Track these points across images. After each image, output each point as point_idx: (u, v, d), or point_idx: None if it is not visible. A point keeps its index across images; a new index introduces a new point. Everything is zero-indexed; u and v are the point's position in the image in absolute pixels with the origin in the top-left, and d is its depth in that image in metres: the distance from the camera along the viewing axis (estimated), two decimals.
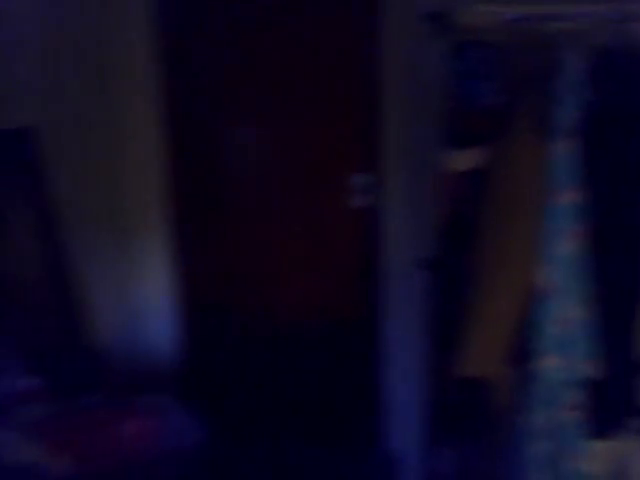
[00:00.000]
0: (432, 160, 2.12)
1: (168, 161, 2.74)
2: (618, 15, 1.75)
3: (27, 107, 2.29)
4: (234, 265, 2.84)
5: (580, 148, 1.70)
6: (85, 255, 2.55)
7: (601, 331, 1.72)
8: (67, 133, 2.47)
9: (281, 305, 2.83)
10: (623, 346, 1.76)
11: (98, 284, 2.66)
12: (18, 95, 2.25)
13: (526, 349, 1.80)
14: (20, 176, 2.29)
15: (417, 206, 2.49)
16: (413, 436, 2.41)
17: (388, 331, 2.69)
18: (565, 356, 1.76)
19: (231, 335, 2.90)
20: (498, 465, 1.97)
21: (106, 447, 1.85)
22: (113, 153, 2.70)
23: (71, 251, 2.46)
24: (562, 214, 1.72)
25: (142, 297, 2.88)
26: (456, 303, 1.89)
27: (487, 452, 2.00)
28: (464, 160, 1.98)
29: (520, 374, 1.84)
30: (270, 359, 2.87)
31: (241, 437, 2.75)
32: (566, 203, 1.72)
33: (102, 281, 2.69)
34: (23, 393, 1.96)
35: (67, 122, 2.48)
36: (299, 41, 2.64)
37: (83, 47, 2.55)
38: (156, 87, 2.68)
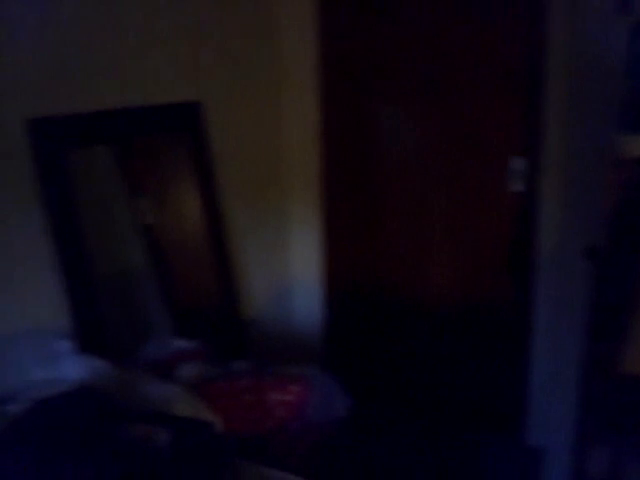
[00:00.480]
0: (601, 145, 2.00)
1: (323, 143, 2.78)
2: None
3: (196, 83, 2.40)
4: (381, 245, 2.83)
5: None
6: (242, 228, 2.64)
7: None
8: (231, 109, 2.56)
9: (427, 288, 2.79)
10: None
11: (254, 257, 2.75)
12: (190, 72, 2.37)
13: None
14: (190, 146, 2.41)
15: (579, 192, 2.36)
16: (562, 432, 2.31)
17: (539, 322, 2.58)
18: None
19: (374, 316, 2.91)
20: None
21: (253, 414, 1.90)
22: (273, 130, 2.79)
23: (229, 223, 2.57)
24: None
25: (293, 272, 2.96)
26: (622, 296, 1.78)
27: None
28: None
29: None
30: (413, 342, 2.85)
31: (382, 416, 2.75)
32: None
33: (257, 254, 2.78)
34: (179, 353, 2.06)
35: (231, 99, 2.57)
36: (458, 20, 2.56)
37: (244, 30, 2.62)
38: (314, 68, 2.72)
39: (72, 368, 1.75)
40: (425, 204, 2.73)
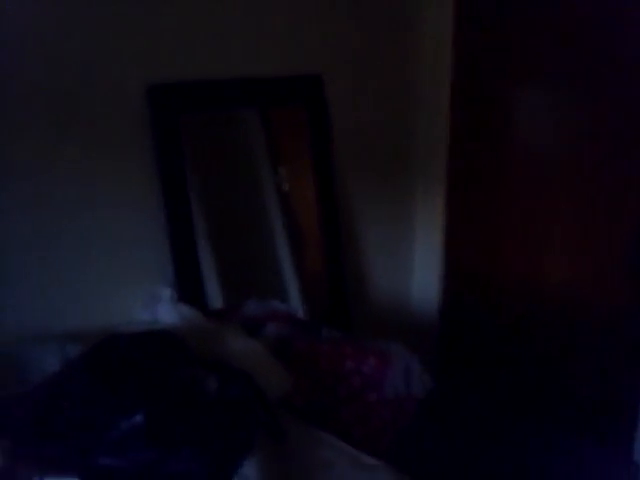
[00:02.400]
0: None
1: (452, 125, 2.76)
2: None
3: (320, 57, 2.48)
4: (502, 236, 2.77)
5: None
6: (361, 204, 2.71)
7: None
8: (356, 84, 2.62)
9: (544, 284, 2.69)
10: None
11: (372, 233, 2.81)
12: (316, 47, 2.46)
13: None
14: (312, 117, 2.51)
15: None
16: None
17: None
18: None
19: (490, 307, 2.86)
20: None
21: (327, 379, 1.99)
22: (399, 110, 2.81)
23: (348, 197, 2.64)
24: None
25: (413, 253, 2.99)
26: None
27: None
28: None
29: None
30: (525, 338, 2.77)
31: (481, 404, 2.73)
32: None
33: (376, 231, 2.84)
34: (272, 313, 2.20)
35: (357, 74, 2.62)
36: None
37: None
38: (448, 46, 2.70)
39: (167, 314, 1.95)
40: (551, 199, 2.62)
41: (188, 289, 2.10)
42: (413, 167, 2.90)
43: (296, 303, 2.56)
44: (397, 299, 2.96)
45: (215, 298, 2.28)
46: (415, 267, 3.02)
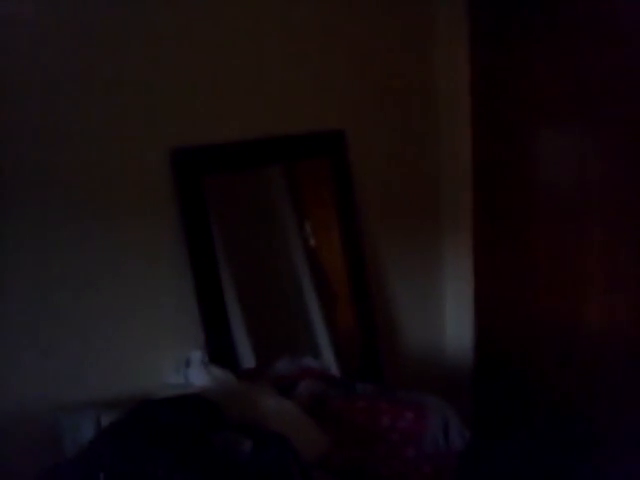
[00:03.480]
0: None
1: (475, 172, 2.77)
2: None
3: (342, 113, 2.52)
4: (535, 283, 2.73)
5: None
6: (385, 255, 2.71)
7: None
8: (376, 138, 2.65)
9: (582, 328, 2.63)
10: None
11: (404, 286, 2.80)
12: (338, 103, 2.50)
13: None
14: (335, 172, 2.53)
15: None
16: None
17: None
18: None
19: (525, 356, 2.81)
20: None
21: (364, 436, 1.95)
22: (420, 160, 2.83)
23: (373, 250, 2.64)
24: None
25: (444, 302, 2.97)
26: None
27: None
28: None
29: None
30: (564, 388, 2.70)
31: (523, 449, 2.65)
32: None
33: (403, 283, 2.82)
34: (305, 370, 2.18)
35: (376, 126, 2.65)
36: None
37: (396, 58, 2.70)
38: (466, 95, 2.73)
39: (199, 376, 1.94)
40: (584, 239, 2.58)
41: (219, 350, 2.09)
42: (439, 215, 2.90)
43: (328, 359, 2.54)
44: (430, 350, 2.92)
45: (246, 357, 2.27)
46: (447, 317, 2.98)
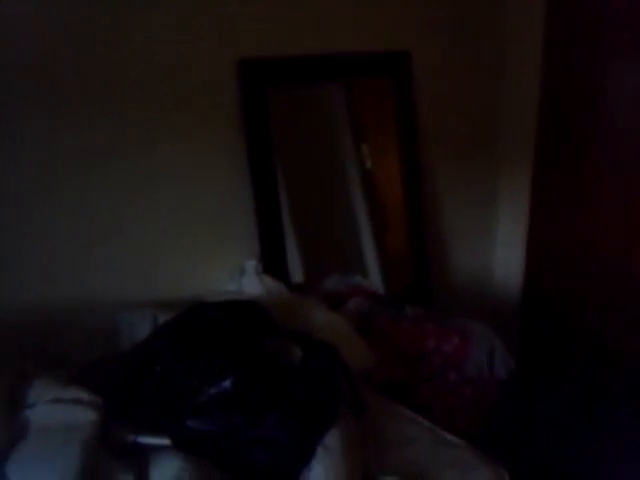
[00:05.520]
0: None
1: (542, 102, 2.68)
2: None
3: (409, 33, 2.46)
4: (591, 215, 2.67)
5: None
6: (443, 180, 2.69)
7: None
8: (444, 60, 2.58)
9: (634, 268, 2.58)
10: None
11: (458, 213, 2.78)
12: (405, 22, 2.43)
13: None
14: (398, 94, 2.49)
15: None
16: None
17: None
18: None
19: (574, 288, 2.78)
20: None
21: (408, 356, 1.99)
22: (486, 85, 2.75)
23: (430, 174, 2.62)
24: None
25: (496, 233, 2.94)
26: None
27: None
28: None
29: None
30: (611, 327, 2.68)
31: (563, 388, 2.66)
32: None
33: (462, 211, 2.80)
34: (355, 288, 2.21)
35: (444, 49, 2.58)
36: None
37: None
38: (540, 20, 2.61)
39: (252, 285, 1.99)
40: None
41: (272, 262, 2.13)
42: (499, 146, 2.83)
43: (377, 280, 2.56)
44: (479, 281, 2.92)
45: (296, 272, 2.31)
46: (498, 248, 2.96)
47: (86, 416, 1.37)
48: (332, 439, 1.44)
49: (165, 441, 1.37)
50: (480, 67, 2.70)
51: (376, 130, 2.59)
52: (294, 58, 2.15)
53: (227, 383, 1.38)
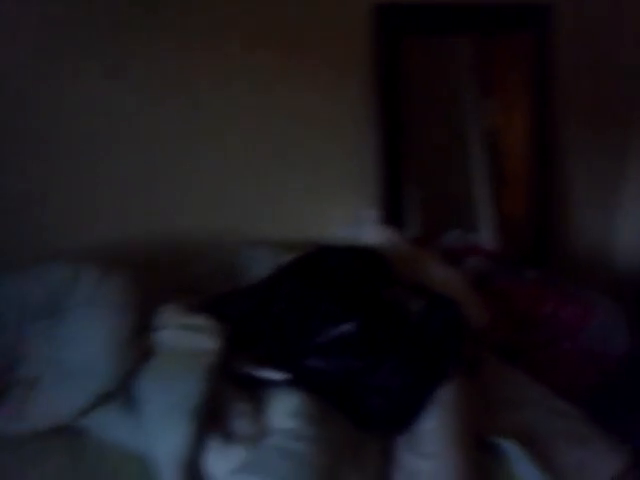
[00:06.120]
0: None
1: None
2: None
3: None
4: None
5: None
6: (576, 152, 2.57)
7: None
8: (588, 18, 2.44)
9: None
10: None
11: (583, 182, 2.66)
12: None
13: None
14: (536, 50, 2.38)
15: None
16: None
17: None
18: None
19: None
20: None
21: (524, 320, 1.94)
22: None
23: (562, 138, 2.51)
24: None
25: (622, 207, 2.81)
26: None
27: None
28: None
29: None
30: None
31: None
32: None
33: (587, 181, 2.68)
34: (473, 247, 2.16)
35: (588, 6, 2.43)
36: None
37: None
38: None
39: (371, 234, 1.98)
40: None
41: (391, 213, 2.12)
42: (633, 119, 2.67)
43: (491, 240, 2.50)
44: (601, 251, 2.79)
45: (412, 226, 2.28)
46: (622, 221, 2.82)
47: (210, 344, 1.41)
48: (447, 394, 1.43)
49: (284, 376, 1.40)
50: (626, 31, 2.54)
51: (506, 86, 2.49)
52: (431, 5, 2.09)
53: (349, 326, 1.39)
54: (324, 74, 1.98)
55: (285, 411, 1.30)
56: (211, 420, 1.29)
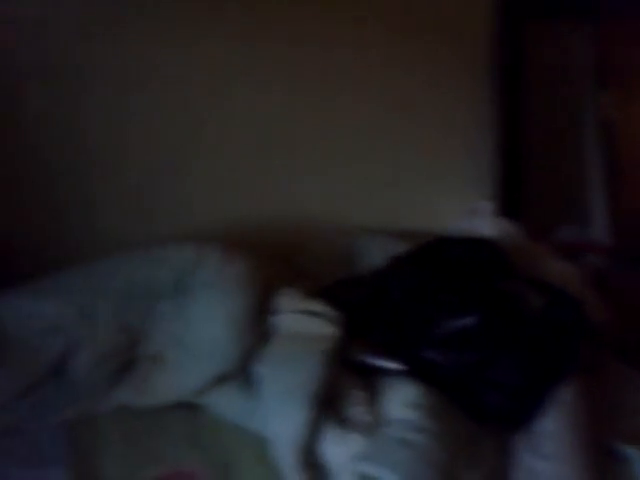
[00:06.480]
0: None
1: None
2: None
3: None
4: None
5: None
6: None
7: None
8: None
9: None
10: None
11: None
12: None
13: None
14: None
15: None
16: None
17: None
18: None
19: None
20: None
21: None
22: None
23: None
24: None
25: None
26: None
27: None
28: None
29: None
30: None
31: None
32: None
33: None
34: (590, 243, 2.09)
35: None
36: None
37: None
38: None
39: (487, 226, 1.94)
40: None
41: (505, 205, 2.07)
42: None
43: (605, 236, 2.41)
44: None
45: (527, 219, 2.22)
46: None
47: (328, 330, 1.42)
48: (566, 394, 1.39)
49: (399, 366, 1.39)
50: None
51: (627, 74, 2.39)
52: None
53: (470, 319, 1.37)
54: (442, 60, 1.94)
55: (403, 401, 1.29)
56: (327, 406, 1.30)
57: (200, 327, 1.42)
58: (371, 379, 1.40)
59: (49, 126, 1.63)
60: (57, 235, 1.65)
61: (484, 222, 1.94)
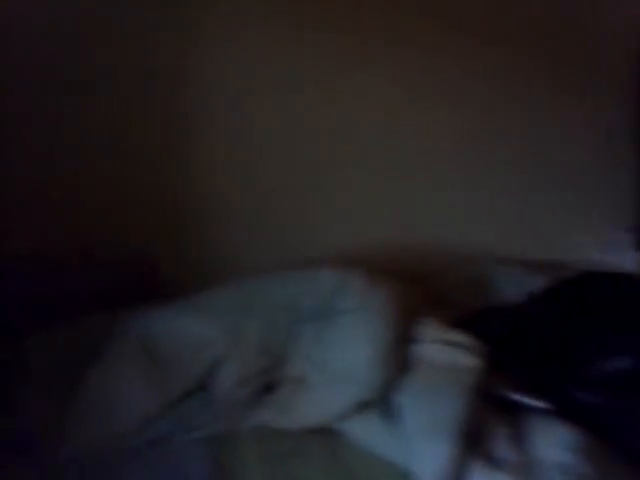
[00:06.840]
0: None
1: None
2: None
3: None
4: None
5: None
6: None
7: None
8: None
9: None
10: None
11: None
12: None
13: None
14: None
15: None
16: None
17: None
18: None
19: None
20: None
21: None
22: None
23: None
24: None
25: None
26: None
27: None
28: None
29: None
30: None
31: None
32: None
33: None
34: None
35: None
36: None
37: None
38: None
39: (626, 259, 1.86)
40: None
41: None
42: None
43: None
44: None
45: None
46: None
47: (470, 362, 1.39)
48: None
49: (546, 405, 1.34)
50: None
51: None
52: None
53: (625, 361, 1.31)
54: (583, 86, 1.89)
55: (556, 443, 1.24)
56: (472, 442, 1.26)
57: (342, 352, 1.41)
58: (514, 416, 1.36)
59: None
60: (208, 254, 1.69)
61: (624, 255, 1.87)
